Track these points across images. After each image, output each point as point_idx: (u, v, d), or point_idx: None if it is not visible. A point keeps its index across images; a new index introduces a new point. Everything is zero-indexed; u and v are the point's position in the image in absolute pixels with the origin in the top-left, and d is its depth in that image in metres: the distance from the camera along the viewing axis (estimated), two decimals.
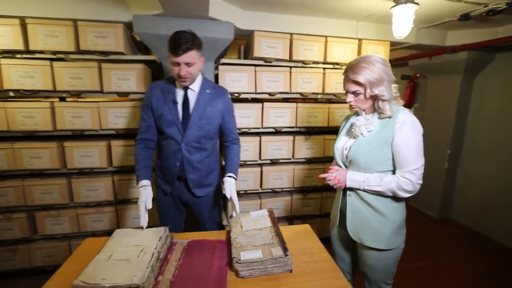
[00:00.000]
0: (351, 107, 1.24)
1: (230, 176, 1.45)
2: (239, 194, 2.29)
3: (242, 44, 2.73)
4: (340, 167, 1.28)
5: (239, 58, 2.80)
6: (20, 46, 1.82)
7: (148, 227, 1.28)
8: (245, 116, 2.14)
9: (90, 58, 1.94)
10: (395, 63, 3.50)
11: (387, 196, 1.18)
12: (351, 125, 1.26)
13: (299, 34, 2.20)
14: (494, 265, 2.40)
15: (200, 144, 1.49)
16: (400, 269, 1.31)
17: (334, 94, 2.33)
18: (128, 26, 2.01)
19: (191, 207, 1.63)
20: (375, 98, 1.16)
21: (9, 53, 1.84)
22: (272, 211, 1.41)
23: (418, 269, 2.30)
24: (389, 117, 1.14)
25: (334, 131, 2.38)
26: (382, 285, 1.29)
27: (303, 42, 2.19)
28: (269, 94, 2.19)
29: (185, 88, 1.45)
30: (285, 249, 1.08)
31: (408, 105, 3.45)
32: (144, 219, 1.29)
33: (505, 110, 2.74)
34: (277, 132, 2.28)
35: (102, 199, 2.09)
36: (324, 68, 2.27)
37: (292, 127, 2.28)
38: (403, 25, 1.85)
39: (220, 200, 1.75)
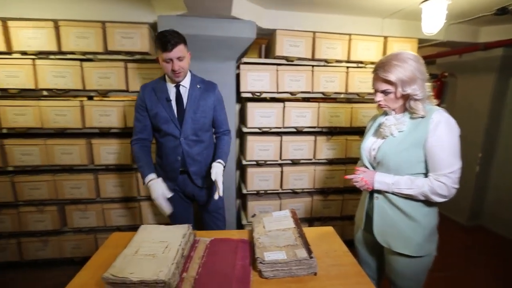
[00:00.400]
0: (379, 106, 1.19)
1: (219, 162, 1.51)
2: (259, 193, 2.28)
3: (263, 43, 2.71)
4: (367, 168, 1.23)
5: (260, 57, 2.79)
6: (53, 47, 1.91)
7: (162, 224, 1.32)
8: (266, 116, 2.13)
9: (116, 58, 2.01)
10: None
11: (418, 200, 1.13)
12: (380, 125, 1.21)
13: (322, 32, 2.15)
14: None
15: (197, 136, 1.55)
16: (427, 278, 1.24)
17: (358, 94, 2.27)
18: (153, 27, 2.06)
19: (196, 200, 1.68)
20: (406, 97, 1.11)
21: (44, 54, 1.94)
22: (294, 212, 1.39)
23: (445, 279, 2.19)
24: (422, 117, 1.09)
25: (357, 131, 2.32)
26: None
27: (325, 40, 2.14)
28: (291, 93, 2.16)
29: (177, 85, 1.50)
30: (309, 251, 1.06)
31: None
32: (167, 207, 1.42)
33: None
34: (298, 132, 2.25)
35: (127, 195, 2.16)
36: (347, 67, 2.22)
37: (314, 127, 2.24)
38: (433, 21, 1.76)
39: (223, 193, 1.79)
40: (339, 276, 1.05)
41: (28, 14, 1.92)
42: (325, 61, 2.19)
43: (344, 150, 2.31)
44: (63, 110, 1.98)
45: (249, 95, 2.13)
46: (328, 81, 2.18)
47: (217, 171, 1.47)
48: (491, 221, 3.01)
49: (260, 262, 1.02)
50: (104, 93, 2.02)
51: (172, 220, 1.70)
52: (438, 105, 1.15)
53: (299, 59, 2.14)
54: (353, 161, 2.34)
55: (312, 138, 2.23)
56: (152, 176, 1.47)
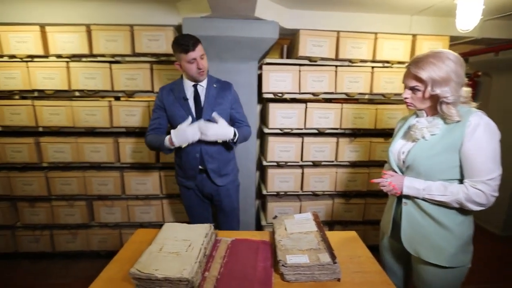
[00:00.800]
0: (406, 105, 1.14)
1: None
2: (279, 195, 2.26)
3: (285, 44, 2.69)
4: (395, 172, 1.18)
5: (281, 57, 2.77)
6: (85, 50, 2.01)
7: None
8: (287, 117, 2.11)
9: (143, 60, 2.07)
10: None
11: (451, 208, 1.06)
12: (410, 127, 1.16)
13: (346, 32, 2.10)
14: None
15: None
16: None
17: (383, 95, 2.18)
18: (178, 29, 2.11)
19: (214, 199, 1.71)
20: (436, 99, 1.05)
21: (77, 57, 2.05)
22: (317, 215, 1.36)
23: None
24: (458, 121, 1.02)
25: (381, 133, 2.24)
26: None
27: (350, 39, 2.09)
28: (313, 94, 2.12)
29: (194, 85, 1.57)
30: (333, 256, 1.03)
31: None
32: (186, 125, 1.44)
33: None
34: (320, 133, 2.21)
35: (150, 193, 2.23)
36: (372, 67, 2.14)
37: (336, 129, 2.19)
38: (469, 16, 1.65)
39: (239, 194, 1.80)
40: (364, 283, 1.01)
41: (63, 19, 2.04)
42: (349, 61, 2.13)
43: (367, 153, 2.23)
44: (93, 110, 2.08)
45: (271, 95, 2.12)
46: (352, 82, 2.12)
47: (225, 129, 1.48)
48: None
49: (283, 265, 1.01)
50: (130, 94, 2.10)
51: (192, 219, 1.75)
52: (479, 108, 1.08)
53: (323, 59, 2.10)
54: (377, 164, 2.26)
55: (334, 139, 2.18)
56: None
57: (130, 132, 2.21)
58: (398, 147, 1.18)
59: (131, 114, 2.11)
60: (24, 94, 2.12)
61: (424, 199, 1.09)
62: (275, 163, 2.19)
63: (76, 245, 2.31)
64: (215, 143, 1.56)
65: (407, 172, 1.14)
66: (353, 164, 2.26)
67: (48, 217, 2.24)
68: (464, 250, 1.10)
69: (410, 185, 1.09)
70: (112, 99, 2.31)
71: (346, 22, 2.22)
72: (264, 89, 2.09)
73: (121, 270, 1.08)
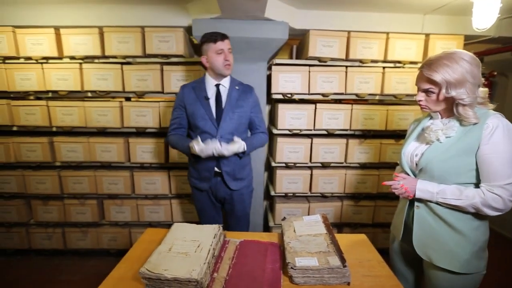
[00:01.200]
0: (420, 107, 1.11)
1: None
2: (287, 196, 2.25)
3: (294, 44, 2.68)
4: (408, 174, 1.15)
5: (291, 58, 2.76)
6: (98, 52, 2.05)
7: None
8: (296, 118, 2.10)
9: (153, 61, 2.10)
10: None
11: (466, 212, 1.03)
12: (423, 129, 1.13)
13: (357, 32, 2.07)
14: None
15: (233, 136, 1.56)
16: None
17: (394, 95, 2.15)
18: (187, 30, 2.12)
19: (226, 203, 1.70)
20: (451, 101, 1.02)
21: (89, 59, 2.09)
22: (326, 217, 1.34)
23: None
24: (475, 123, 0.99)
25: (392, 135, 2.20)
26: None
27: (361, 39, 2.06)
28: (323, 95, 2.10)
29: (217, 85, 1.57)
30: (342, 259, 1.01)
31: None
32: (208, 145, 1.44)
33: None
34: (330, 134, 2.18)
35: (159, 193, 2.25)
36: (383, 67, 2.11)
37: (346, 130, 2.16)
38: (486, 15, 1.60)
39: (252, 199, 1.80)
40: None
41: (77, 22, 2.09)
42: (360, 61, 2.10)
43: (378, 154, 2.19)
44: (104, 110, 2.12)
45: (280, 96, 2.11)
46: (363, 82, 2.09)
47: (237, 145, 1.48)
48: None
49: (292, 268, 1.00)
50: (141, 95, 2.13)
51: (203, 222, 1.74)
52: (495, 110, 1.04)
53: (333, 59, 2.08)
54: (388, 166, 2.22)
55: (343, 141, 2.16)
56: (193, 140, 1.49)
57: (140, 132, 2.24)
58: (411, 149, 1.15)
59: (142, 115, 2.14)
60: (39, 95, 2.17)
61: (437, 203, 1.06)
62: (283, 164, 2.18)
63: (87, 243, 2.35)
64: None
65: (420, 175, 1.11)
66: (362, 166, 2.23)
67: (60, 215, 2.29)
68: (479, 256, 1.06)
69: (423, 188, 1.06)
70: (123, 99, 2.35)
71: (356, 21, 2.19)
72: (273, 90, 2.08)
73: (131, 269, 1.09)
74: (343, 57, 2.08)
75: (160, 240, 1.21)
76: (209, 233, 1.23)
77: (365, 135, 2.21)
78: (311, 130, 2.14)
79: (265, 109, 2.23)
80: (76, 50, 2.04)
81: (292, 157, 2.14)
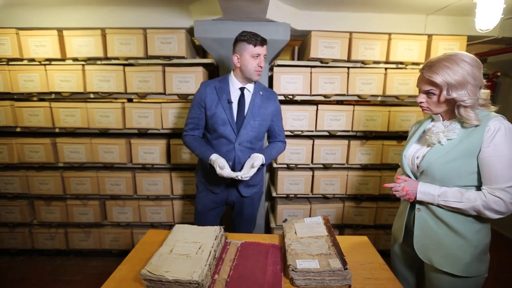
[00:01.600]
0: (422, 109, 1.11)
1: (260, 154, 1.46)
2: (289, 197, 2.25)
3: (296, 45, 2.68)
4: (409, 177, 1.15)
5: (292, 59, 2.75)
6: (100, 53, 2.06)
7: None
8: (298, 119, 2.10)
9: (155, 63, 2.11)
10: None
11: (468, 215, 1.02)
12: (425, 131, 1.12)
13: (359, 33, 2.06)
14: None
15: (252, 144, 1.51)
16: None
17: (397, 96, 2.14)
18: (189, 32, 2.13)
19: (235, 206, 1.65)
20: (452, 102, 1.01)
21: (92, 60, 2.10)
22: (327, 219, 1.34)
23: None
24: (476, 126, 0.99)
25: (394, 136, 2.19)
26: None
27: (363, 40, 2.05)
28: (325, 96, 2.10)
29: (241, 88, 1.49)
30: (344, 262, 1.01)
31: None
32: (232, 173, 1.38)
33: None
34: (331, 135, 2.18)
35: (161, 193, 2.26)
36: (385, 68, 2.10)
37: (348, 131, 2.16)
38: (489, 16, 1.59)
39: (260, 201, 1.76)
40: None
41: (79, 24, 2.11)
42: (362, 62, 2.10)
43: (379, 156, 2.19)
44: (106, 111, 2.13)
45: (282, 97, 2.11)
46: (365, 83, 2.09)
47: (256, 161, 1.40)
48: None
49: (292, 270, 1.00)
50: (143, 96, 2.14)
51: (199, 220, 1.66)
52: (498, 112, 1.03)
53: (334, 60, 2.07)
54: (389, 167, 2.21)
55: (345, 142, 2.15)
56: (216, 155, 1.44)
57: (142, 134, 2.25)
58: (412, 151, 1.15)
59: (144, 116, 2.15)
60: (42, 96, 2.18)
61: (438, 206, 1.05)
62: (285, 166, 2.18)
63: (89, 243, 2.36)
64: (248, 152, 1.50)
65: (421, 177, 1.10)
66: (364, 167, 2.22)
67: (63, 215, 2.30)
68: (480, 259, 1.06)
69: (425, 190, 1.05)
70: (125, 101, 2.36)
71: (358, 23, 2.19)
72: (275, 91, 2.07)
73: (132, 270, 1.09)
74: (345, 58, 2.08)
75: (162, 241, 1.21)
76: (210, 234, 1.23)
77: (367, 136, 2.21)
78: (312, 131, 2.14)
79: None
80: (79, 52, 2.06)
81: (294, 159, 2.14)
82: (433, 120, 1.13)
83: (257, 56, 1.41)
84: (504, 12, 1.96)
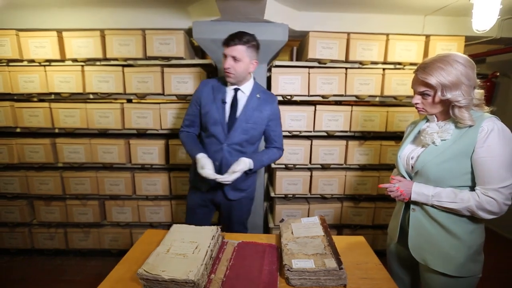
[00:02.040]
0: (417, 110, 1.11)
1: (248, 159, 1.42)
2: (287, 197, 2.25)
3: (294, 46, 2.69)
4: (404, 177, 1.15)
5: (291, 60, 2.77)
6: (99, 54, 2.07)
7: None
8: (296, 119, 2.10)
9: (154, 64, 2.12)
10: None
11: (461, 215, 1.03)
12: (420, 132, 1.13)
13: (357, 33, 2.07)
14: None
15: (242, 147, 1.49)
16: None
17: (394, 97, 2.14)
18: (188, 32, 2.14)
19: (221, 209, 1.63)
20: (447, 103, 1.02)
21: (91, 61, 2.11)
22: (324, 219, 1.35)
23: None
24: (469, 126, 0.99)
25: (392, 136, 2.20)
26: None
27: (361, 41, 2.06)
28: (323, 96, 2.11)
29: (236, 89, 1.47)
30: (339, 262, 1.02)
31: None
32: (213, 174, 1.37)
33: None
34: (329, 136, 2.18)
35: (159, 194, 2.27)
36: (383, 69, 2.11)
37: (346, 131, 2.16)
38: (486, 16, 1.60)
39: (251, 206, 1.72)
40: None
41: (79, 25, 2.12)
42: (360, 63, 2.10)
43: (377, 156, 2.19)
44: (105, 112, 2.14)
45: (280, 98, 2.12)
46: (363, 84, 2.09)
47: (241, 166, 1.37)
48: None
49: (288, 270, 1.01)
50: (142, 96, 2.15)
51: (189, 216, 1.67)
52: (492, 112, 1.04)
53: (332, 61, 2.08)
54: (387, 167, 2.22)
55: (343, 142, 2.16)
56: (202, 154, 1.44)
57: (141, 134, 2.26)
58: (407, 152, 1.16)
59: (143, 116, 2.16)
60: (42, 97, 2.20)
61: (433, 206, 1.06)
62: (283, 166, 2.19)
63: (89, 243, 2.37)
64: (237, 155, 1.47)
65: (416, 177, 1.11)
66: (362, 167, 2.23)
67: (63, 215, 2.32)
68: (474, 259, 1.06)
69: (419, 191, 1.06)
70: (125, 101, 2.37)
71: (356, 23, 2.20)
72: (273, 92, 2.08)
73: (129, 270, 1.10)
74: (343, 58, 2.09)
75: (159, 241, 1.22)
76: (207, 234, 1.24)
77: (365, 136, 2.21)
78: (311, 131, 2.15)
79: None
80: (78, 53, 2.07)
81: (292, 159, 2.14)
82: (428, 120, 1.14)
83: (225, 56, 1.39)
84: (502, 12, 1.97)
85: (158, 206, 2.30)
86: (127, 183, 2.24)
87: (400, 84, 2.11)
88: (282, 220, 1.39)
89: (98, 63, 2.12)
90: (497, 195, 0.94)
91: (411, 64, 2.12)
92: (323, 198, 2.26)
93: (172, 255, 1.10)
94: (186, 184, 2.25)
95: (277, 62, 2.09)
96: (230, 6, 1.73)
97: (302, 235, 1.23)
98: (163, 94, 2.14)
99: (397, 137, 2.19)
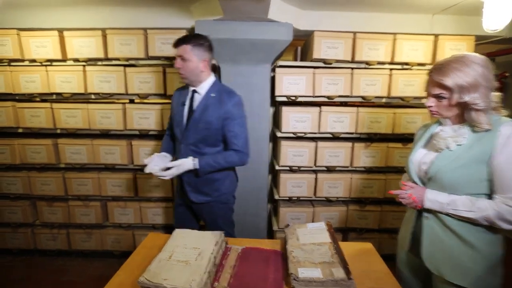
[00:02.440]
0: (431, 113, 1.07)
1: (192, 160, 1.46)
2: (291, 200, 2.21)
3: (299, 45, 2.65)
4: (416, 183, 1.11)
5: (295, 59, 2.72)
6: (101, 54, 2.04)
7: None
8: (301, 120, 2.06)
9: (156, 64, 2.09)
10: None
11: (479, 225, 0.98)
12: (432, 136, 1.08)
13: (363, 33, 2.02)
14: None
15: (197, 148, 1.49)
16: None
17: (402, 98, 2.09)
18: (191, 32, 2.10)
19: (194, 211, 1.65)
20: (462, 106, 0.97)
21: (92, 61, 2.09)
22: (330, 225, 1.31)
23: None
24: (486, 130, 0.95)
25: (399, 138, 2.15)
26: None
27: (367, 41, 2.01)
28: (328, 97, 2.06)
29: (194, 91, 1.51)
30: (347, 271, 0.98)
31: None
32: (149, 167, 1.48)
33: None
34: (335, 137, 2.14)
35: (162, 195, 2.24)
36: (390, 69, 2.05)
37: (352, 133, 2.12)
38: (498, 16, 1.54)
39: (229, 212, 1.66)
40: None
41: (80, 24, 2.09)
42: (366, 63, 2.05)
43: (384, 158, 2.14)
44: (107, 112, 2.12)
45: (284, 99, 2.08)
46: (369, 84, 2.04)
47: (180, 164, 1.44)
48: None
49: (294, 279, 0.97)
50: (144, 97, 2.12)
51: (175, 221, 1.70)
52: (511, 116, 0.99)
53: (338, 61, 2.03)
54: (394, 170, 2.17)
55: (349, 144, 2.11)
56: (157, 153, 1.59)
57: (143, 135, 2.23)
58: (419, 156, 1.11)
59: (145, 117, 2.13)
60: (43, 97, 2.18)
61: (447, 214, 1.01)
62: (287, 168, 2.15)
63: (91, 244, 2.36)
64: (193, 156, 1.48)
65: (429, 184, 1.06)
66: (369, 170, 2.18)
67: (65, 216, 2.30)
68: (494, 272, 1.01)
69: (433, 198, 1.02)
70: (127, 101, 2.34)
71: (363, 22, 2.14)
72: (277, 92, 2.05)
73: (131, 276, 1.08)
74: (349, 59, 2.04)
75: (162, 245, 1.19)
76: (210, 240, 1.21)
77: (371, 138, 2.16)
78: (315, 133, 2.10)
79: (269, 111, 2.19)
80: (80, 53, 2.04)
81: (297, 161, 2.10)
82: (440, 124, 1.09)
83: (176, 58, 1.45)
84: None
85: (160, 208, 2.27)
86: (129, 184, 2.21)
87: (407, 84, 2.06)
88: (287, 226, 1.36)
89: (99, 63, 2.09)
90: None
91: (419, 64, 2.07)
92: (328, 201, 2.22)
93: (174, 262, 1.07)
94: None
95: (281, 62, 2.05)
96: (233, 5, 1.69)
97: (308, 242, 1.19)
98: (165, 95, 2.10)
99: (405, 139, 2.14)
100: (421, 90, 2.02)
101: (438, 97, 1.01)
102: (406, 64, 2.07)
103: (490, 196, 0.97)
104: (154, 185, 2.22)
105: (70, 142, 2.17)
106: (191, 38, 1.43)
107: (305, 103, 2.23)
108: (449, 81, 0.95)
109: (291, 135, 2.10)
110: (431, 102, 1.03)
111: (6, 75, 2.09)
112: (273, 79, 2.15)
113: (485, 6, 1.60)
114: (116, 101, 2.34)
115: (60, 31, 2.04)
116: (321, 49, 1.99)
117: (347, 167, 2.15)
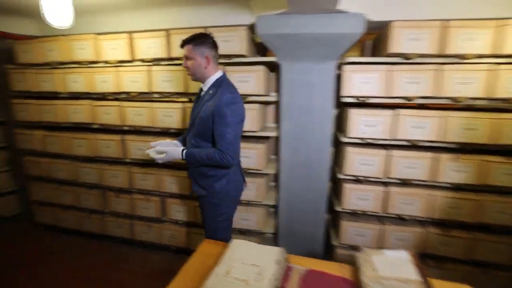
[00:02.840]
0: None
1: (181, 149, 1.54)
2: (355, 213, 1.97)
3: (366, 40, 2.34)
4: None
5: (362, 55, 2.43)
6: (164, 54, 2.09)
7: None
8: (371, 125, 1.80)
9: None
10: None
11: None
12: None
13: (456, 20, 1.66)
14: None
15: (195, 142, 1.56)
16: None
17: (508, 100, 1.67)
18: (251, 28, 2.01)
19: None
20: None
21: (157, 61, 2.15)
22: (416, 256, 1.07)
23: None
24: None
25: (502, 150, 1.72)
26: None
27: (462, 29, 1.64)
28: (407, 98, 1.76)
29: (201, 88, 1.60)
30: None
31: None
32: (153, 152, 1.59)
33: None
34: (412, 146, 1.82)
35: None
36: (496, 63, 1.65)
37: (434, 142, 1.77)
38: None
39: (215, 214, 1.60)
40: None
41: (147, 25, 2.18)
42: (459, 56, 1.69)
43: (479, 174, 1.74)
44: (169, 111, 2.17)
45: (352, 99, 1.84)
46: (463, 83, 1.67)
47: (169, 151, 1.54)
48: None
49: None
50: None
51: None
52: None
53: (421, 56, 1.71)
54: (493, 189, 1.75)
55: (431, 154, 1.77)
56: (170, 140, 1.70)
57: None
58: None
59: None
60: (115, 96, 2.34)
61: None
62: (353, 177, 1.91)
63: (150, 236, 2.47)
64: (193, 148, 1.57)
65: None
66: (456, 187, 1.80)
67: (129, 207, 2.45)
68: None
69: None
70: (187, 100, 2.38)
71: (454, 8, 1.77)
72: (345, 92, 1.82)
73: (188, 284, 1.03)
74: (436, 52, 1.70)
75: (217, 255, 1.14)
76: (270, 257, 1.09)
77: (462, 149, 1.78)
78: (388, 139, 1.82)
79: (331, 113, 1.97)
80: (146, 53, 2.12)
81: (364, 170, 1.85)
82: None
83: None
84: None
85: None
86: (185, 182, 2.24)
87: None
88: (358, 248, 1.16)
89: (162, 62, 2.14)
90: None
91: None
92: (400, 219, 1.91)
93: (232, 279, 0.98)
94: (248, 189, 2.14)
95: (350, 59, 1.81)
96: None
97: (390, 275, 0.98)
98: None
99: (509, 152, 1.71)
100: None
101: None
102: None
103: None
104: None
105: (135, 138, 2.30)
106: (193, 37, 1.48)
107: (376, 104, 1.95)
108: None
109: (359, 140, 1.86)
110: None
111: (86, 76, 2.30)
112: (339, 78, 1.93)
113: None
114: (176, 99, 2.39)
115: (129, 33, 2.15)
116: (401, 41, 1.70)
117: (426, 181, 1.81)
